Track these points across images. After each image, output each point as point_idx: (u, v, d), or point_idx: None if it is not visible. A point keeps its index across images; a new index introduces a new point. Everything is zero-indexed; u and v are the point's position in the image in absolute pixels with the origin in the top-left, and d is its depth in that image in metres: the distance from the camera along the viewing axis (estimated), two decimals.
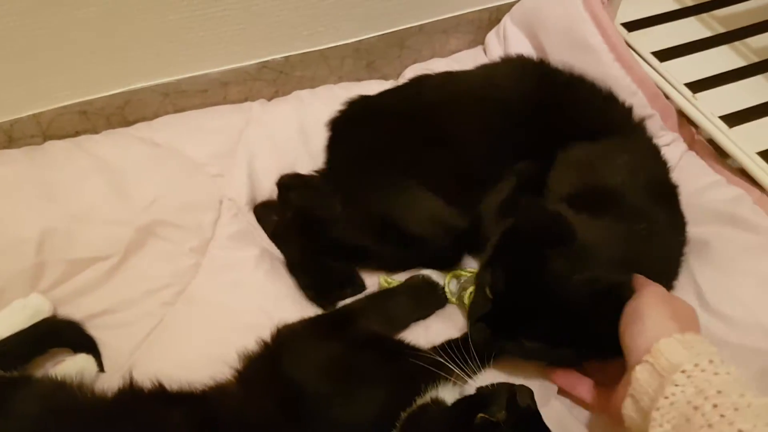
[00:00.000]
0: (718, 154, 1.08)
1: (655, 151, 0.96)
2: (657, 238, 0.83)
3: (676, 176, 1.01)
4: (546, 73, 1.02)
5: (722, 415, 0.51)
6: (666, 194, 0.92)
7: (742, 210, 0.95)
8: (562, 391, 0.80)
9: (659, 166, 0.95)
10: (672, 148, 1.07)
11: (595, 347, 0.72)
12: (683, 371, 0.56)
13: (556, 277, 0.71)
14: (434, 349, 0.82)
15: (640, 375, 0.60)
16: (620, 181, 0.86)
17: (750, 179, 1.00)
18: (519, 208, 0.80)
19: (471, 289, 0.85)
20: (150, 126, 1.03)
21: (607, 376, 0.72)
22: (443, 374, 0.73)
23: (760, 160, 1.01)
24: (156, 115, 1.05)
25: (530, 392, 0.67)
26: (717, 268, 0.90)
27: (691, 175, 1.02)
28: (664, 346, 0.59)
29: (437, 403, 0.69)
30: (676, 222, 0.90)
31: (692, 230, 0.94)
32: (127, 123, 1.04)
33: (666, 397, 0.55)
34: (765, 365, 0.80)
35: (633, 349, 0.63)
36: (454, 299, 0.90)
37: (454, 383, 0.74)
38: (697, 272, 0.90)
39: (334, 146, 1.00)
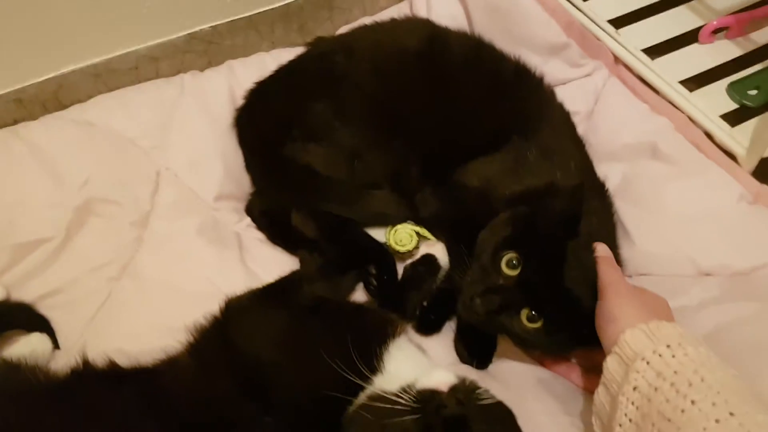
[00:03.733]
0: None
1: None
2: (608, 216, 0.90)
3: (600, 106, 1.03)
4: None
5: (678, 391, 0.57)
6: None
7: (664, 142, 0.96)
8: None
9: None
10: (594, 77, 1.08)
11: (588, 334, 0.73)
12: (643, 359, 0.61)
13: (571, 265, 0.74)
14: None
15: (610, 365, 0.66)
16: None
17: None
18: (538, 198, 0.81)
19: (396, 229, 0.93)
20: (83, 107, 1.03)
21: (595, 363, 0.75)
22: (393, 329, 0.74)
23: (682, 88, 1.04)
24: (89, 97, 1.05)
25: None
26: (640, 205, 0.92)
27: (614, 105, 1.04)
28: (629, 337, 0.64)
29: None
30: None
31: (616, 166, 0.96)
32: (63, 107, 1.05)
33: (630, 384, 0.61)
34: (703, 295, 0.84)
35: (609, 345, 0.68)
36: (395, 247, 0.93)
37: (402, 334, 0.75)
38: (622, 211, 0.92)
39: (245, 142, 1.00)
